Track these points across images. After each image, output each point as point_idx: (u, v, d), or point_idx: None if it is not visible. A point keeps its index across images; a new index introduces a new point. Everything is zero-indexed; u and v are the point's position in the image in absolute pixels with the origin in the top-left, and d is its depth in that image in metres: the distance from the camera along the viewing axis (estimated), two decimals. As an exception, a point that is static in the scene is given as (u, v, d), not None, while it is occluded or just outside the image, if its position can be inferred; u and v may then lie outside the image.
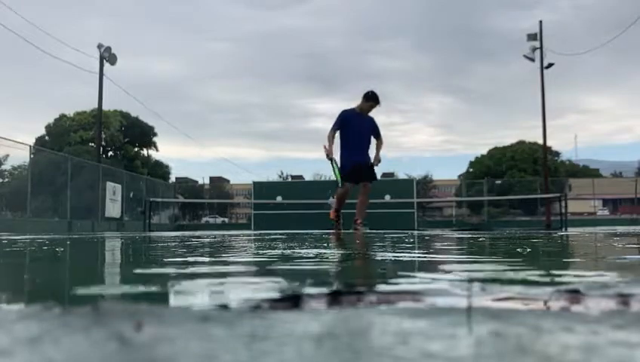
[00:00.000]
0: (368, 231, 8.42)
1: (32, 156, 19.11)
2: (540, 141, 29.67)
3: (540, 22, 27.15)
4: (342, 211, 8.63)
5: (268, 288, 1.12)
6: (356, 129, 8.36)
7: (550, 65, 26.68)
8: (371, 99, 8.36)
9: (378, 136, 8.58)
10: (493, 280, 1.14)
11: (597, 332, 0.53)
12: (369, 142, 8.55)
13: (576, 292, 0.81)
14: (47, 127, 45.71)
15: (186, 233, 9.70)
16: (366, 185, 8.38)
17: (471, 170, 57.14)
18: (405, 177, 40.94)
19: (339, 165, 8.45)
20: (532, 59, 26.82)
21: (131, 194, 25.37)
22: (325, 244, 3.52)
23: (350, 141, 8.41)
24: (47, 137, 44.65)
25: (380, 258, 2.16)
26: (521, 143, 55.63)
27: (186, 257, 2.33)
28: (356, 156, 8.40)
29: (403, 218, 21.47)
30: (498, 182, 40.72)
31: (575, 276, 1.46)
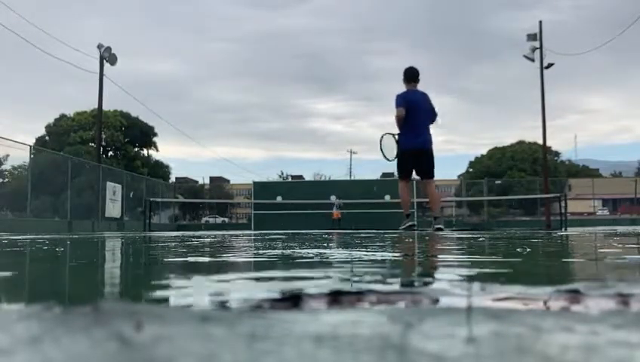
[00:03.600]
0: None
1: (32, 156, 19.10)
2: (540, 141, 29.68)
3: (540, 22, 27.15)
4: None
5: (268, 288, 1.12)
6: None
7: (550, 65, 26.69)
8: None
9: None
10: (493, 280, 1.14)
11: (597, 332, 0.53)
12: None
13: (576, 292, 0.81)
14: (47, 127, 45.71)
15: (186, 233, 9.70)
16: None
17: (471, 170, 57.14)
18: (405, 177, 40.84)
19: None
20: (532, 59, 26.83)
21: (131, 194, 25.37)
22: (326, 244, 3.52)
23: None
24: (47, 137, 44.64)
25: (380, 258, 2.16)
26: (521, 143, 55.64)
27: (186, 257, 2.33)
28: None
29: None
30: (498, 182, 40.72)
31: (575, 276, 1.46)
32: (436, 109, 8.29)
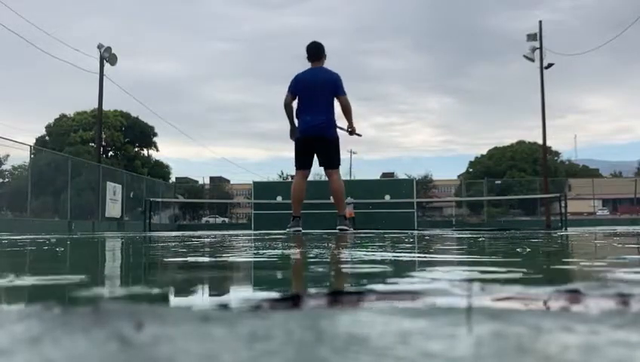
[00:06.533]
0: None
1: (32, 156, 19.13)
2: (540, 141, 29.69)
3: (540, 22, 27.19)
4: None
5: (268, 288, 1.12)
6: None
7: (550, 65, 26.71)
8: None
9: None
10: (493, 280, 1.14)
11: (597, 332, 0.53)
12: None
13: (576, 292, 0.81)
14: (47, 127, 45.75)
15: (186, 233, 9.70)
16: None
17: (471, 170, 57.20)
18: (405, 177, 41.00)
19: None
20: (532, 60, 26.85)
21: (131, 194, 25.38)
22: (325, 244, 3.52)
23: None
24: (47, 137, 44.69)
25: (380, 258, 2.16)
26: (521, 143, 55.71)
27: (186, 257, 2.33)
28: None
29: (403, 218, 21.48)
30: (498, 182, 40.74)
31: (575, 276, 1.46)
32: (344, 89, 6.98)
